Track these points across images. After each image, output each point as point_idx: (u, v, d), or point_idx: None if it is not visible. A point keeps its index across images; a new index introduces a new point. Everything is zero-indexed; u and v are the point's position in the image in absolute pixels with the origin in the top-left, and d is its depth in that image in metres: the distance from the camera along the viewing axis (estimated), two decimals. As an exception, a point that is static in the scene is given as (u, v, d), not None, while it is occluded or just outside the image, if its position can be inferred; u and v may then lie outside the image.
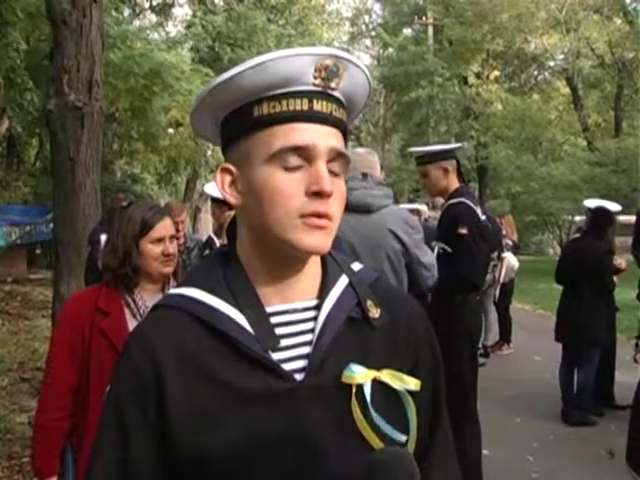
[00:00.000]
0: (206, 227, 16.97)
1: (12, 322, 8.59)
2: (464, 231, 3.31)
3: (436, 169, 3.50)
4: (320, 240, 0.87)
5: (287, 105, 0.86)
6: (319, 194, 0.85)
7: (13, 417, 4.83)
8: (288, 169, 0.86)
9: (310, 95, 0.86)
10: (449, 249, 3.38)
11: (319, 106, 0.87)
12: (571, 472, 4.14)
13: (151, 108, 11.82)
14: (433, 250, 3.41)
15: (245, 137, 0.88)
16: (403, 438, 0.89)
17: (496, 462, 3.96)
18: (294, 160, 0.85)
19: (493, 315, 7.66)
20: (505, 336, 7.82)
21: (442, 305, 3.39)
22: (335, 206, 0.87)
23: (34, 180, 14.73)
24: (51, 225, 7.91)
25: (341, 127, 0.90)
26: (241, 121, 0.88)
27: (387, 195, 3.01)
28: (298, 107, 0.86)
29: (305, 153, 0.85)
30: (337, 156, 0.88)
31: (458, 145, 3.68)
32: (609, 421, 5.05)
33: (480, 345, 6.83)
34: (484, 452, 3.61)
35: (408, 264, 2.96)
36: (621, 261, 5.31)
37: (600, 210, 5.35)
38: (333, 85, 0.88)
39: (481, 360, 6.55)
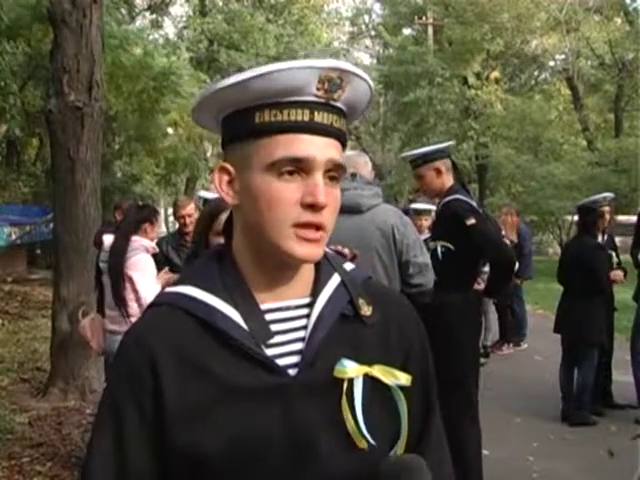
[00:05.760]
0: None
1: (12, 322, 8.58)
2: (472, 221, 3.34)
3: (429, 170, 3.53)
4: (312, 251, 0.89)
5: (288, 115, 0.87)
6: (313, 206, 0.86)
7: (13, 417, 4.83)
8: (285, 178, 0.87)
9: (312, 106, 0.88)
10: (452, 246, 3.41)
11: (320, 117, 0.88)
12: (571, 472, 4.14)
13: (159, 109, 11.83)
14: (436, 249, 3.43)
15: (245, 141, 0.89)
16: (374, 444, 0.89)
17: (496, 462, 3.95)
18: (292, 170, 0.87)
19: (493, 315, 7.66)
20: (505, 336, 7.83)
21: (443, 305, 3.38)
22: (328, 215, 0.89)
23: (34, 180, 14.72)
24: (51, 225, 7.90)
25: (341, 138, 0.91)
26: (242, 124, 0.90)
27: (377, 194, 3.02)
28: (299, 117, 0.87)
29: (303, 164, 0.87)
30: (334, 167, 0.89)
31: (448, 143, 3.71)
32: (609, 421, 5.05)
33: (480, 345, 6.83)
34: (484, 452, 3.61)
35: (400, 263, 2.95)
36: (619, 273, 5.32)
37: (583, 208, 5.43)
38: (335, 97, 0.89)
39: (481, 360, 6.55)
